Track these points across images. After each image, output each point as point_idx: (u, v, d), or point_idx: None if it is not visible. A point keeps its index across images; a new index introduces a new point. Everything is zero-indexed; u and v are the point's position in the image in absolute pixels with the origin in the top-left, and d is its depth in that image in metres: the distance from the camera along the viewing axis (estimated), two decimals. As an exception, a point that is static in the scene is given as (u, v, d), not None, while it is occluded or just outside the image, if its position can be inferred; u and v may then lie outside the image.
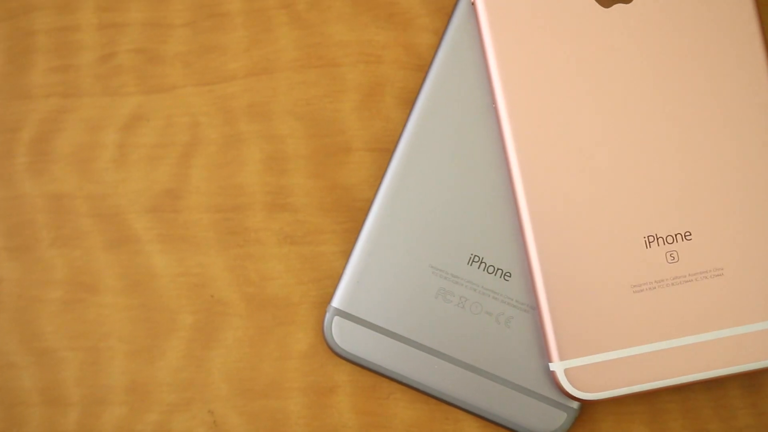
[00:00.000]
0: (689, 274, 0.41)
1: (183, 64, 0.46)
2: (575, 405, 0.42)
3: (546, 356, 0.42)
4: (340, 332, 0.43)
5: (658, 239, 0.41)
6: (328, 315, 0.43)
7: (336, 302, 0.43)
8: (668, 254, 0.41)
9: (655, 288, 0.41)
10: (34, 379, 0.44)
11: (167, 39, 0.46)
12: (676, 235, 0.41)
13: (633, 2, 0.42)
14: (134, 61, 0.46)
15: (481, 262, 0.43)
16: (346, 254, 0.44)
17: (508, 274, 0.43)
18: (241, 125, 0.45)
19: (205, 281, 0.45)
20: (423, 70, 0.45)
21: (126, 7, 0.46)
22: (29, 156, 0.45)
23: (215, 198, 0.45)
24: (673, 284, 0.41)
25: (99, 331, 0.45)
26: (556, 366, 0.41)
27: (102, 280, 0.45)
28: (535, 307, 0.42)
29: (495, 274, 0.43)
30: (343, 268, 0.43)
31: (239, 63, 0.46)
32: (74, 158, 0.45)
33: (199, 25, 0.46)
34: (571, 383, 0.41)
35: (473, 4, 0.43)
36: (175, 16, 0.46)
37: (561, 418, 0.42)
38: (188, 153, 0.45)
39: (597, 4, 0.42)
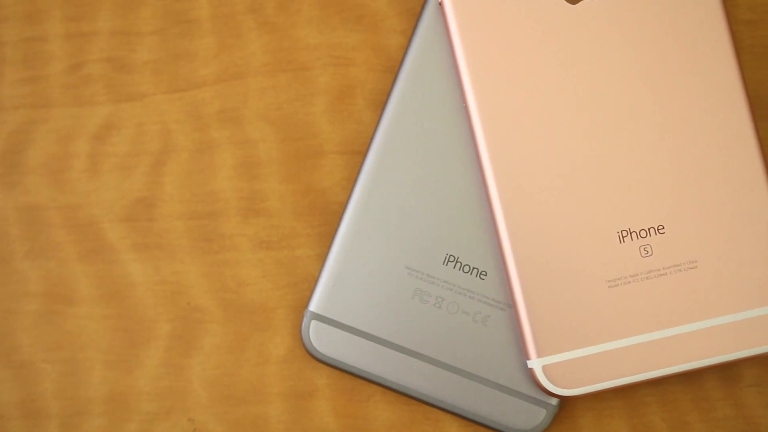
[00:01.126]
0: (663, 268, 0.41)
1: (152, 72, 0.46)
2: (554, 401, 0.42)
3: (524, 354, 0.42)
4: (318, 336, 0.43)
5: (631, 233, 0.41)
6: (305, 319, 0.43)
7: (313, 306, 0.43)
8: (642, 248, 0.41)
9: (630, 282, 0.41)
10: (12, 393, 0.44)
11: (136, 47, 0.46)
12: (649, 229, 0.41)
13: (600, -2, 0.42)
14: (103, 70, 0.46)
15: (457, 262, 0.43)
16: (322, 258, 0.44)
17: (483, 273, 0.43)
18: (213, 131, 0.45)
19: (181, 289, 0.45)
20: (393, 71, 0.45)
21: (94, 16, 0.46)
22: (0, 168, 0.45)
23: (189, 205, 0.45)
24: (647, 278, 0.41)
25: (76, 342, 0.45)
26: (534, 363, 0.41)
27: (78, 291, 0.45)
28: (512, 305, 0.42)
29: (470, 273, 0.43)
30: (319, 271, 0.43)
31: (209, 69, 0.46)
32: (46, 169, 0.45)
33: (167, 32, 0.46)
34: (549, 380, 0.41)
35: (440, 4, 0.43)
36: (143, 24, 0.46)
37: (540, 414, 0.42)
38: (161, 161, 0.45)
39: (564, 1, 0.42)
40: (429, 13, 0.44)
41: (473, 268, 0.43)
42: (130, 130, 0.45)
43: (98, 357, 0.44)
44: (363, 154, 0.45)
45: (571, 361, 0.41)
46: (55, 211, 0.45)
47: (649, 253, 0.41)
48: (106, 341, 0.45)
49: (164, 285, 0.45)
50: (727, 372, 0.44)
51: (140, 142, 0.45)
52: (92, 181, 0.45)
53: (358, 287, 0.43)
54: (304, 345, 0.43)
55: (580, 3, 0.42)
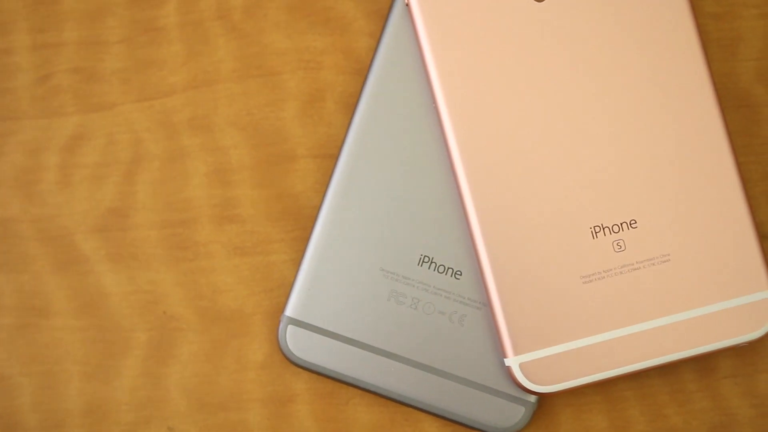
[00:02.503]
0: (637, 262, 0.41)
1: (121, 81, 0.45)
2: (533, 399, 0.42)
3: (501, 352, 0.42)
4: (295, 341, 0.43)
5: (604, 229, 0.42)
6: (282, 324, 0.43)
7: (289, 311, 0.43)
8: (615, 243, 0.42)
9: (604, 277, 0.41)
10: (-11, 408, 0.44)
11: (104, 57, 0.45)
12: (621, 224, 0.42)
13: (566, -5, 0.42)
14: (71, 81, 0.45)
15: (432, 262, 0.43)
16: (297, 262, 0.44)
17: (458, 273, 0.43)
18: (184, 139, 0.45)
19: (156, 298, 0.45)
20: (362, 73, 0.45)
21: (60, 27, 0.45)
22: (-29, 183, 0.45)
23: (162, 214, 0.45)
24: (621, 273, 0.41)
25: (53, 354, 0.44)
26: (511, 361, 0.41)
27: (53, 303, 0.45)
28: (487, 304, 0.42)
29: (446, 274, 0.43)
30: (295, 276, 0.43)
31: (178, 77, 0.45)
32: (17, 182, 0.45)
33: (134, 40, 0.46)
34: (526, 377, 0.41)
35: (407, 4, 0.43)
36: (110, 34, 0.46)
37: (519, 412, 0.42)
38: (132, 170, 0.45)
39: (531, -1, 0.42)
40: (396, 14, 0.44)
41: (448, 268, 0.43)
42: (100, 140, 0.45)
43: (75, 369, 0.44)
44: (335, 158, 0.45)
45: (548, 357, 0.41)
46: (27, 223, 0.45)
47: (623, 248, 0.41)
48: (83, 353, 0.44)
49: (139, 294, 0.45)
50: (703, 364, 0.44)
51: (111, 152, 0.45)
52: (64, 192, 0.45)
53: (333, 291, 0.43)
54: (281, 350, 0.43)
55: (547, 0, 0.42)
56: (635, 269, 0.41)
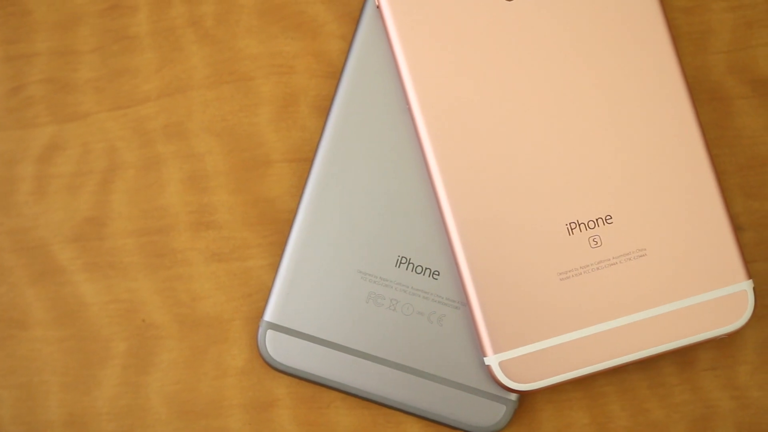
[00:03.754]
0: (613, 257, 0.41)
1: (95, 90, 0.45)
2: (513, 397, 0.42)
3: (480, 351, 0.42)
4: (275, 345, 0.43)
5: (579, 225, 0.42)
6: (261, 329, 0.43)
7: (268, 316, 0.43)
8: (591, 239, 0.42)
9: (581, 274, 0.41)
10: (-31, 421, 0.44)
11: (77, 66, 0.45)
12: (597, 220, 0.42)
13: (536, -7, 0.43)
14: (45, 91, 0.45)
15: (409, 263, 0.43)
16: (275, 267, 0.44)
17: (436, 273, 0.43)
18: (159, 146, 0.45)
19: (135, 306, 0.44)
20: (335, 76, 0.45)
21: (31, 37, 0.45)
22: (-55, 196, 0.45)
23: (139, 222, 0.45)
24: (598, 268, 0.41)
25: (31, 366, 0.44)
26: (491, 360, 0.41)
27: (30, 314, 0.44)
28: (466, 303, 0.42)
29: (423, 274, 0.43)
30: (273, 281, 0.43)
31: (151, 84, 0.45)
32: (-8, 194, 0.45)
33: (107, 49, 0.45)
34: (506, 375, 0.41)
35: (378, 6, 0.43)
36: (82, 43, 0.45)
37: (500, 411, 0.42)
38: (108, 179, 0.45)
39: (500, -2, 0.43)
40: (368, 16, 0.44)
41: (426, 268, 0.43)
42: (75, 149, 0.45)
43: (55, 380, 0.44)
44: (310, 161, 0.45)
45: (528, 355, 0.41)
46: (3, 235, 0.45)
47: (599, 244, 0.42)
48: (62, 363, 0.44)
49: (118, 303, 0.45)
50: (683, 357, 0.44)
51: (86, 161, 0.45)
52: (39, 203, 0.45)
53: (312, 294, 0.43)
54: (261, 355, 0.43)
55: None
56: (612, 264, 0.41)
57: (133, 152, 0.45)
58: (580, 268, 0.41)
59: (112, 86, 0.45)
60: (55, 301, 0.44)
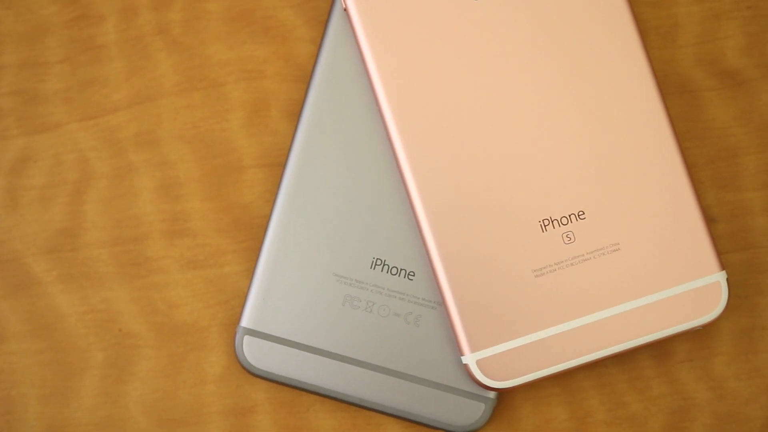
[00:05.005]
0: (587, 253, 0.42)
1: (64, 101, 0.45)
2: (492, 395, 0.43)
3: (457, 350, 0.42)
4: (252, 351, 0.43)
5: (552, 222, 0.42)
6: (238, 335, 0.43)
7: (245, 322, 0.43)
8: (564, 235, 0.42)
9: (555, 270, 0.41)
10: (-53, 437, 0.44)
11: (45, 77, 0.45)
12: (570, 216, 0.42)
13: (503, -9, 0.43)
14: (14, 104, 0.45)
15: (384, 265, 0.43)
16: (250, 273, 0.44)
17: (411, 274, 0.43)
18: (131, 155, 0.45)
19: (111, 316, 0.44)
20: (305, 80, 0.45)
21: (-1, 49, 0.45)
22: None
23: (112, 231, 0.45)
24: (572, 264, 0.42)
25: (9, 379, 0.44)
26: (468, 358, 0.41)
27: (6, 328, 0.44)
28: (442, 303, 0.42)
29: (399, 275, 0.43)
30: (248, 286, 0.43)
31: (121, 93, 0.45)
32: (-36, 208, 0.45)
33: (75, 60, 0.45)
34: (484, 374, 0.41)
35: (345, 9, 0.43)
36: (50, 54, 0.45)
37: (479, 409, 0.42)
38: (80, 189, 0.45)
39: (467, -3, 0.43)
40: (336, 20, 0.44)
41: (401, 269, 0.43)
42: (46, 161, 0.45)
43: (33, 392, 0.44)
44: (282, 166, 0.45)
45: (505, 353, 0.41)
46: (-24, 249, 0.45)
47: (572, 240, 0.42)
48: (40, 376, 0.44)
49: (94, 314, 0.44)
50: (659, 350, 0.44)
51: (57, 173, 0.45)
52: (12, 215, 0.45)
53: (288, 299, 0.43)
54: (239, 361, 0.43)
55: (483, -2, 0.43)
56: (586, 260, 0.42)
57: (104, 162, 0.45)
58: (555, 264, 0.41)
59: (81, 96, 0.45)
60: (31, 314, 0.44)
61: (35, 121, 0.45)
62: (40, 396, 0.44)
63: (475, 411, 0.42)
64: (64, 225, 0.45)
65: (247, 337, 0.43)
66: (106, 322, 0.44)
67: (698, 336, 0.44)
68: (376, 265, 0.43)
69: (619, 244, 0.42)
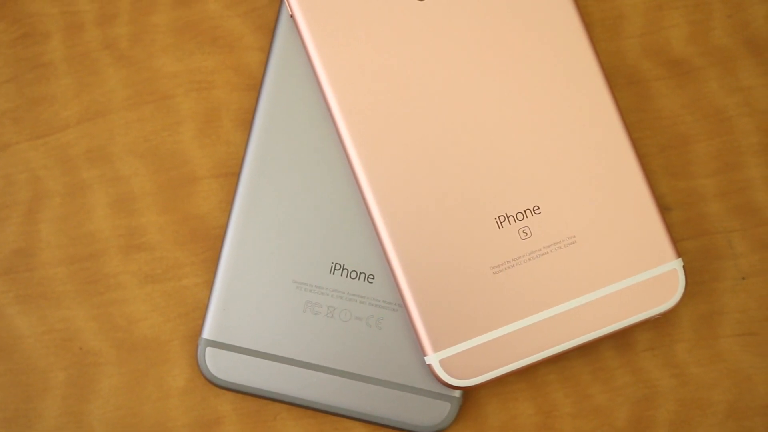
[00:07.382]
0: (544, 247, 0.42)
1: (12, 121, 0.45)
2: (457, 393, 0.43)
3: (420, 351, 0.42)
4: (215, 362, 0.43)
5: (508, 218, 0.42)
6: (200, 347, 0.43)
7: (206, 333, 0.43)
8: (521, 231, 0.42)
9: (513, 266, 0.42)
10: None
11: (-8, 97, 0.45)
12: (525, 211, 0.42)
13: (448, -9, 0.43)
14: (-38, 126, 0.45)
15: (343, 269, 0.43)
16: (209, 284, 0.44)
17: (371, 277, 0.43)
18: (83, 172, 0.45)
19: (71, 335, 0.44)
20: (256, 88, 0.45)
21: (-56, 72, 0.45)
22: None
23: (68, 249, 0.44)
24: (530, 259, 0.42)
25: (-30, 404, 0.44)
26: (431, 358, 0.41)
27: (-35, 352, 0.44)
28: (403, 305, 0.42)
29: (358, 279, 0.43)
30: (208, 298, 0.43)
31: (70, 110, 0.45)
32: None
33: (22, 78, 0.45)
34: (448, 373, 0.41)
35: (291, 16, 0.43)
36: (-4, 74, 0.45)
37: (445, 408, 0.43)
38: (33, 209, 0.45)
39: (413, -2, 0.43)
40: (283, 27, 0.44)
41: (360, 273, 0.43)
42: (-3, 182, 0.45)
43: (-5, 416, 0.44)
44: (237, 175, 0.45)
45: (468, 351, 0.41)
46: (-70, 274, 0.44)
47: (529, 235, 0.42)
48: (1, 399, 0.44)
49: (53, 333, 0.44)
50: (621, 340, 0.44)
51: (9, 193, 0.45)
52: (-35, 238, 0.44)
53: (248, 308, 0.43)
54: (202, 373, 0.43)
55: (428, -2, 0.43)
56: (543, 254, 0.42)
57: (57, 180, 0.45)
58: (513, 260, 0.42)
59: (30, 115, 0.45)
60: (-11, 337, 0.44)
61: (-16, 142, 0.45)
62: (3, 419, 0.44)
63: (441, 410, 0.43)
64: (18, 245, 0.44)
65: (209, 349, 0.43)
66: (66, 341, 0.44)
67: (659, 324, 0.44)
68: (335, 269, 0.43)
69: (575, 237, 0.42)
